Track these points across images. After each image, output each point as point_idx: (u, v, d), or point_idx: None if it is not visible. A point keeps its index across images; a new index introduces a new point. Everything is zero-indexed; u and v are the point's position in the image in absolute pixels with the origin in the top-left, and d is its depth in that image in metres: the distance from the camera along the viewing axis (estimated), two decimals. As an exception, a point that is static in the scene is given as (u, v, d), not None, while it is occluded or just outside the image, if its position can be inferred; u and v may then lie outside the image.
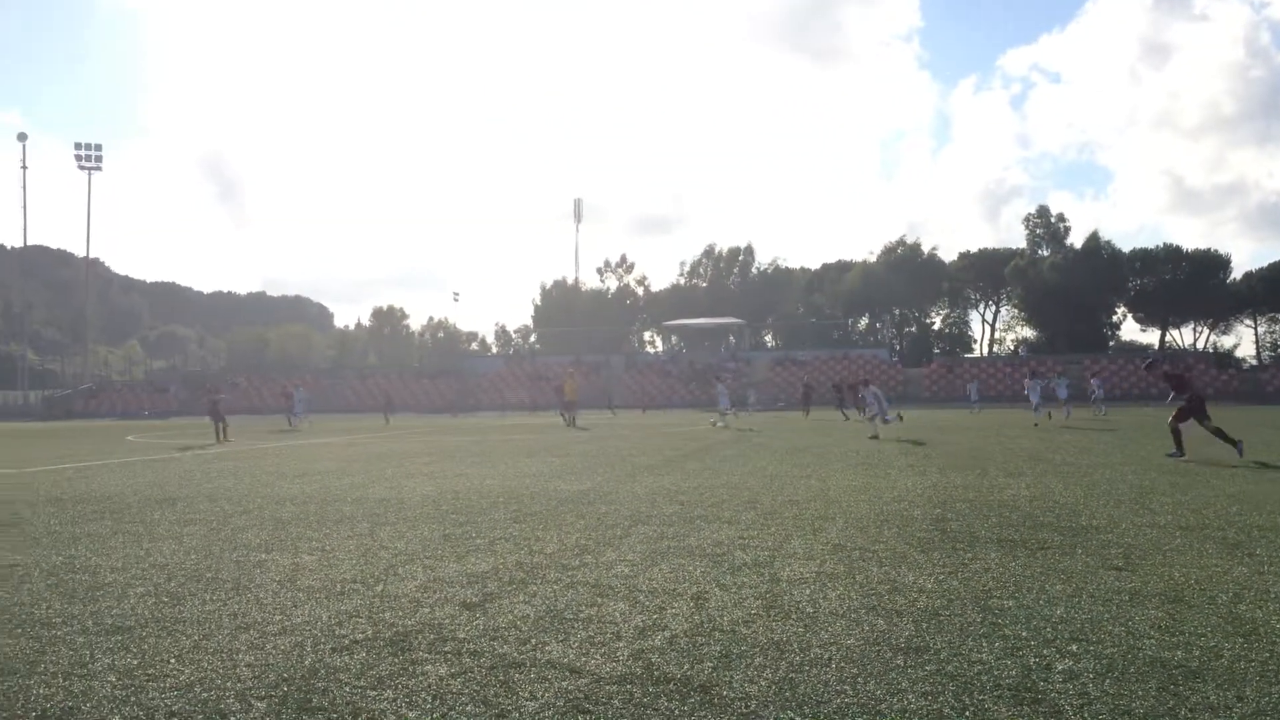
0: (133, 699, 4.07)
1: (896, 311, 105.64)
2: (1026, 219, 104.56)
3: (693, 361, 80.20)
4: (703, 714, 3.87)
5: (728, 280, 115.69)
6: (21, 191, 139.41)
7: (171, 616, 5.53)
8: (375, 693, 4.14)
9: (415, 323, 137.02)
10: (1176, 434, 15.97)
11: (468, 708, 3.95)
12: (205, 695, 4.12)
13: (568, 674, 4.37)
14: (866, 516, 9.31)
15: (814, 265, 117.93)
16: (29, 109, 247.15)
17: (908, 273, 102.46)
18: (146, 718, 3.85)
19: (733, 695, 4.07)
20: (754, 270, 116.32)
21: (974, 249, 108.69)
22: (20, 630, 5.24)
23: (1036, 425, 29.18)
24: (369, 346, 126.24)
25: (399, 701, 4.03)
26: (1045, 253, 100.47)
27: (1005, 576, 6.38)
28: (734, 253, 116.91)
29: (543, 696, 4.07)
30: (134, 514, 10.38)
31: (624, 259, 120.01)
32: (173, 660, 4.63)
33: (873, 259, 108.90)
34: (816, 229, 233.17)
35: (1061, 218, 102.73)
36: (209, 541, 8.34)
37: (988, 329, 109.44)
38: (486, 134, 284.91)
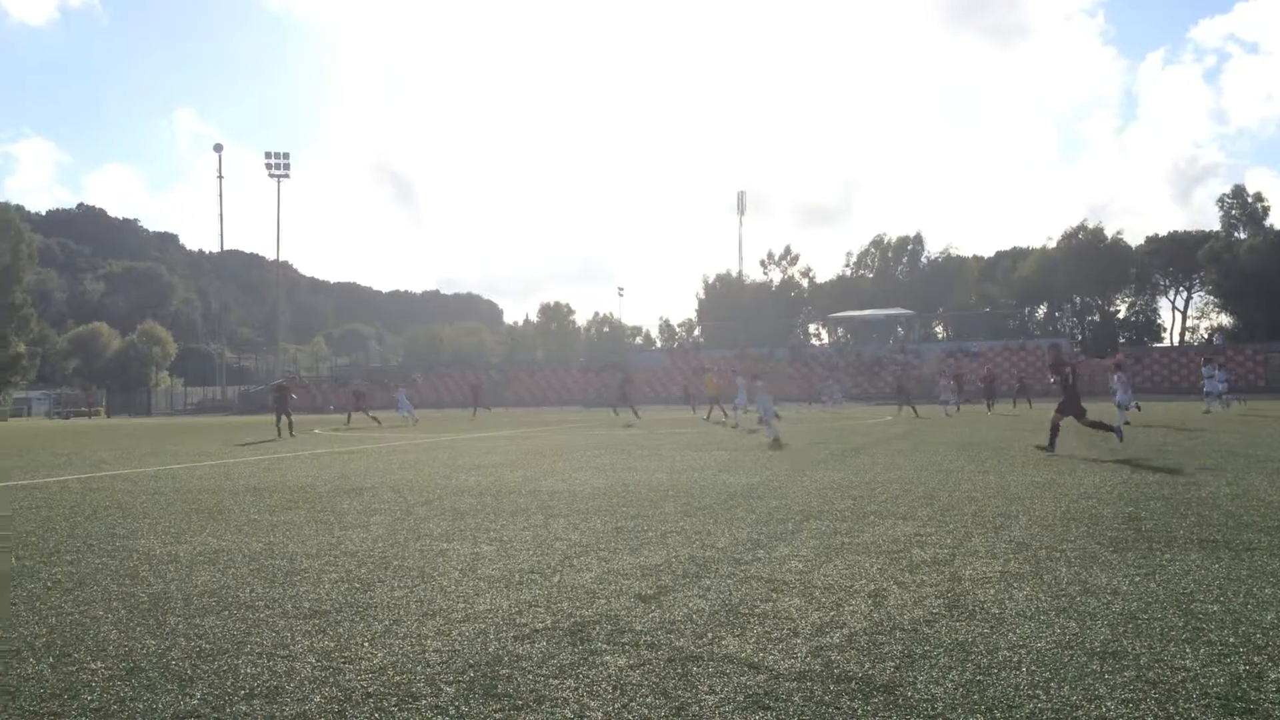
0: (331, 680, 4.27)
1: (1077, 300, 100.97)
2: (1221, 199, 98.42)
3: (860, 354, 78.81)
4: (887, 714, 3.77)
5: (896, 270, 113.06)
6: (218, 200, 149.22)
7: (363, 602, 5.78)
8: (557, 681, 4.21)
9: (581, 318, 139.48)
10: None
11: (648, 699, 3.97)
12: (397, 679, 4.28)
13: (746, 669, 4.34)
14: (1052, 514, 8.93)
15: (987, 253, 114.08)
16: (225, 122, 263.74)
17: (1089, 259, 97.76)
18: (344, 698, 4.03)
19: (917, 696, 3.96)
20: (924, 259, 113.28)
21: (1163, 232, 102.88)
22: (227, 612, 5.58)
23: (1207, 413, 27.47)
24: (537, 342, 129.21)
25: (580, 691, 4.09)
26: (1242, 235, 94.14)
27: (1208, 579, 5.99)
28: (903, 242, 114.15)
29: (722, 691, 4.05)
30: (324, 503, 10.92)
31: (788, 250, 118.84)
32: (366, 644, 4.84)
33: (1051, 245, 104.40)
34: (990, 215, 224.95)
35: (1260, 197, 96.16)
36: (394, 530, 8.69)
37: (1178, 317, 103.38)
38: (651, 127, 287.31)
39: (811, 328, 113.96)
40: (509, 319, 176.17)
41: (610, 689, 4.10)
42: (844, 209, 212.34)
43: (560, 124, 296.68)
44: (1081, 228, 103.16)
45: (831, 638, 4.83)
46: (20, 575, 6.82)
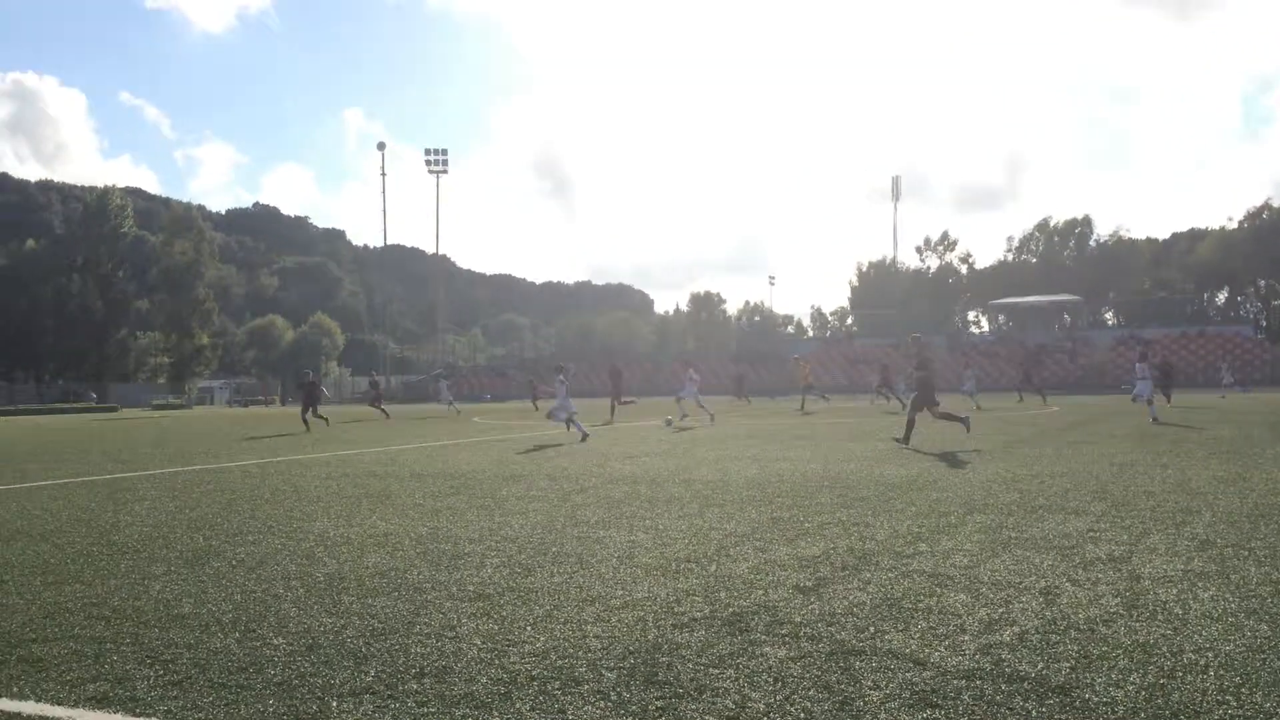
0: (496, 662, 4.37)
1: (1262, 283, 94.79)
2: None
3: (1023, 342, 76.01)
4: (1063, 717, 3.61)
5: (1062, 255, 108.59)
6: (381, 196, 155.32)
7: (524, 586, 5.89)
8: (717, 671, 4.19)
9: (732, 307, 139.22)
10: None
11: (810, 692, 3.91)
12: (560, 663, 4.34)
13: (911, 665, 4.22)
14: (1238, 510, 8.39)
15: (1161, 235, 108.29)
16: (390, 121, 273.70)
17: (1275, 240, 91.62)
18: (509, 680, 4.11)
19: (1096, 699, 3.77)
20: (1092, 243, 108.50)
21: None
22: (397, 593, 5.78)
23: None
24: (688, 331, 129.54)
25: (740, 681, 4.06)
26: None
27: None
28: (1070, 225, 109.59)
29: (886, 687, 3.96)
30: (485, 489, 11.21)
31: (945, 236, 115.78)
32: (528, 628, 4.93)
33: (1232, 225, 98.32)
34: (1164, 195, 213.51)
35: None
36: (552, 517, 8.85)
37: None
38: (804, 113, 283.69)
39: (970, 315, 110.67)
40: (660, 309, 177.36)
41: (771, 680, 4.06)
42: (1007, 192, 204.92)
43: (713, 112, 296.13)
44: (1266, 207, 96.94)
45: (1001, 635, 4.66)
46: (208, 554, 7.24)
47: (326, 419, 28.41)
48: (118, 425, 37.13)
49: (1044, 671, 4.11)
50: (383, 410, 38.23)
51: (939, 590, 5.60)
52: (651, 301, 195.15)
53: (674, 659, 4.37)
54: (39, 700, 3.92)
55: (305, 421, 28.10)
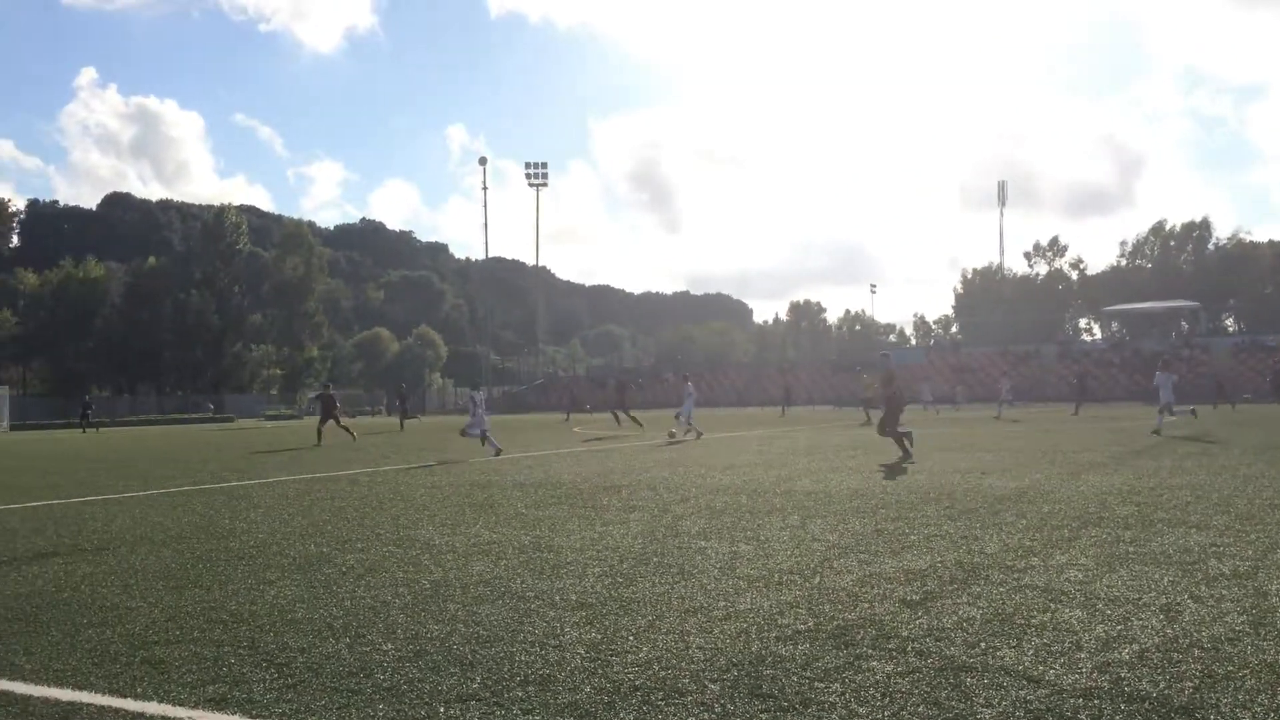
0: (600, 671, 4.37)
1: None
2: None
3: (1138, 350, 73.45)
4: (1189, 741, 3.45)
5: (1179, 259, 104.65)
6: (483, 210, 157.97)
7: (626, 596, 5.90)
8: (822, 685, 4.12)
9: (832, 316, 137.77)
10: (898, 438, 16.56)
11: (919, 709, 3.82)
12: (663, 674, 4.33)
13: (1025, 683, 4.09)
14: (1375, 526, 7.95)
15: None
16: (491, 136, 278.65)
17: None
18: (613, 689, 4.11)
19: (1224, 723, 3.60)
20: (1210, 246, 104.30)
21: None
22: (501, 601, 5.84)
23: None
24: (787, 341, 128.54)
25: (847, 696, 3.99)
26: None
27: None
28: (1188, 228, 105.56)
29: (999, 705, 3.84)
30: (585, 499, 11.28)
31: (1055, 241, 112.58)
32: (631, 638, 4.93)
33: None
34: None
35: None
36: (652, 527, 8.84)
37: None
38: (907, 119, 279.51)
39: (1082, 322, 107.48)
40: (759, 318, 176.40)
41: (878, 696, 3.97)
42: (1120, 195, 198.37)
43: (813, 119, 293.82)
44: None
45: (1120, 653, 4.49)
46: (319, 561, 7.43)
47: (352, 432, 27.76)
48: (234, 435, 38.47)
49: (1166, 691, 3.95)
50: (403, 421, 39.51)
51: (1053, 606, 5.43)
52: (750, 311, 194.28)
53: (778, 672, 4.32)
54: (161, 701, 4.06)
55: (319, 434, 27.68)
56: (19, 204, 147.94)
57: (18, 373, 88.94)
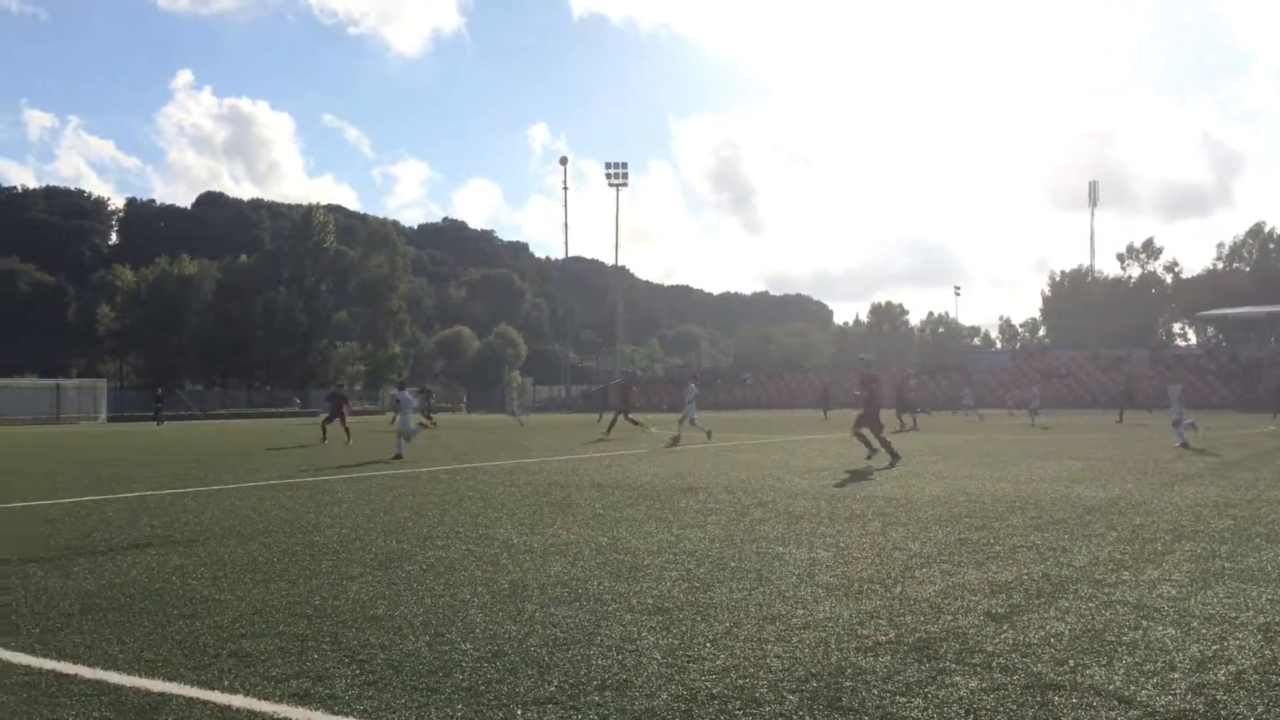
0: (676, 678, 4.35)
1: None
2: None
3: (1235, 356, 71.03)
4: (1292, 772, 3.31)
5: (1279, 263, 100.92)
6: (563, 209, 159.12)
7: (703, 601, 5.86)
8: (904, 699, 4.04)
9: (914, 318, 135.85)
10: (866, 440, 17.13)
11: (1004, 728, 3.72)
12: (740, 682, 4.28)
13: (1115, 703, 3.96)
14: None
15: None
16: (572, 135, 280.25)
17: None
18: (689, 697, 4.08)
19: (1330, 754, 3.44)
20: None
21: None
22: (578, 603, 5.85)
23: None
24: (868, 343, 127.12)
25: (930, 712, 3.90)
26: None
27: None
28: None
29: (1089, 726, 3.72)
30: (663, 501, 11.26)
31: (1149, 243, 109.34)
32: (708, 645, 4.89)
33: None
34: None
35: None
36: (730, 531, 8.79)
37: None
38: (993, 115, 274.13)
39: (1176, 327, 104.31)
40: (839, 319, 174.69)
41: (962, 713, 3.88)
42: (1218, 196, 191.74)
43: (895, 117, 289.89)
44: None
45: (1215, 674, 4.32)
46: (400, 558, 7.54)
47: (349, 432, 27.19)
48: (316, 430, 39.27)
49: (1264, 716, 3.79)
50: (431, 421, 39.98)
51: (1145, 623, 5.25)
52: (830, 312, 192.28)
53: (858, 684, 4.24)
54: (247, 695, 4.14)
55: (324, 430, 28.04)
56: (118, 202, 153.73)
57: (116, 366, 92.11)
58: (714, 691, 4.16)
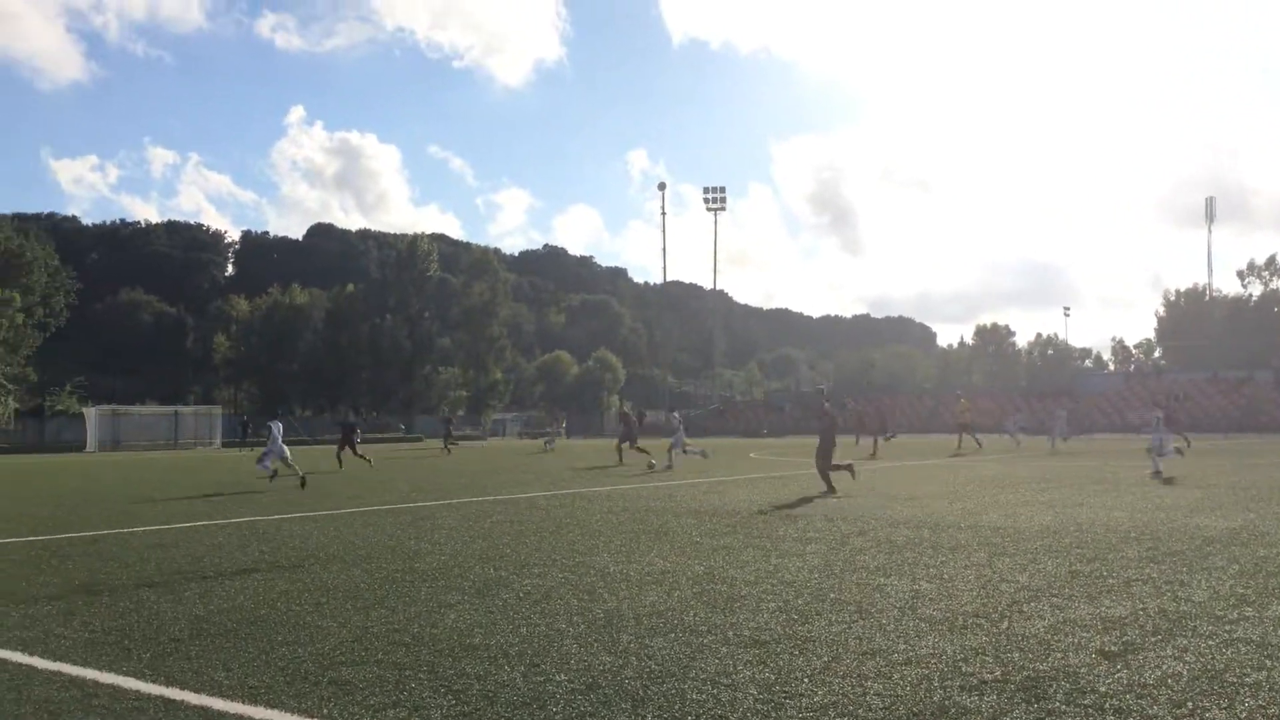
0: (772, 714, 4.26)
1: None
2: None
3: (1364, 377, 67.41)
4: None
5: None
6: (661, 234, 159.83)
7: (801, 635, 5.75)
8: (1010, 742, 3.89)
9: (1022, 339, 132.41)
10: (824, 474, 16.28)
11: (1118, 776, 3.54)
12: (838, 720, 4.17)
13: (1240, 752, 3.75)
14: None
15: None
16: (672, 160, 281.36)
17: None
18: (785, 736, 3.99)
19: None
20: None
21: None
22: (673, 634, 5.79)
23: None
24: (973, 366, 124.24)
25: (1037, 756, 3.74)
26: None
27: None
28: None
29: (1210, 776, 3.52)
30: (761, 529, 11.12)
31: (1272, 260, 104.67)
32: (805, 680, 4.79)
33: None
34: None
35: None
36: (829, 561, 8.63)
37: None
38: (1103, 129, 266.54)
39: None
40: (942, 341, 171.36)
41: (1073, 758, 3.71)
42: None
43: (1001, 135, 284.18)
44: None
45: (1351, 724, 4.05)
46: (497, 585, 7.58)
47: (369, 459, 28.56)
48: (422, 456, 40.01)
49: None
50: (449, 448, 40.70)
51: (1268, 663, 4.97)
52: (933, 334, 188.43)
53: (962, 725, 4.10)
54: (346, 723, 4.19)
55: (339, 460, 28.94)
56: (234, 235, 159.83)
57: (230, 393, 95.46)
58: (811, 730, 4.06)
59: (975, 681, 4.73)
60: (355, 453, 28.63)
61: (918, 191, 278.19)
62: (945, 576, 7.72)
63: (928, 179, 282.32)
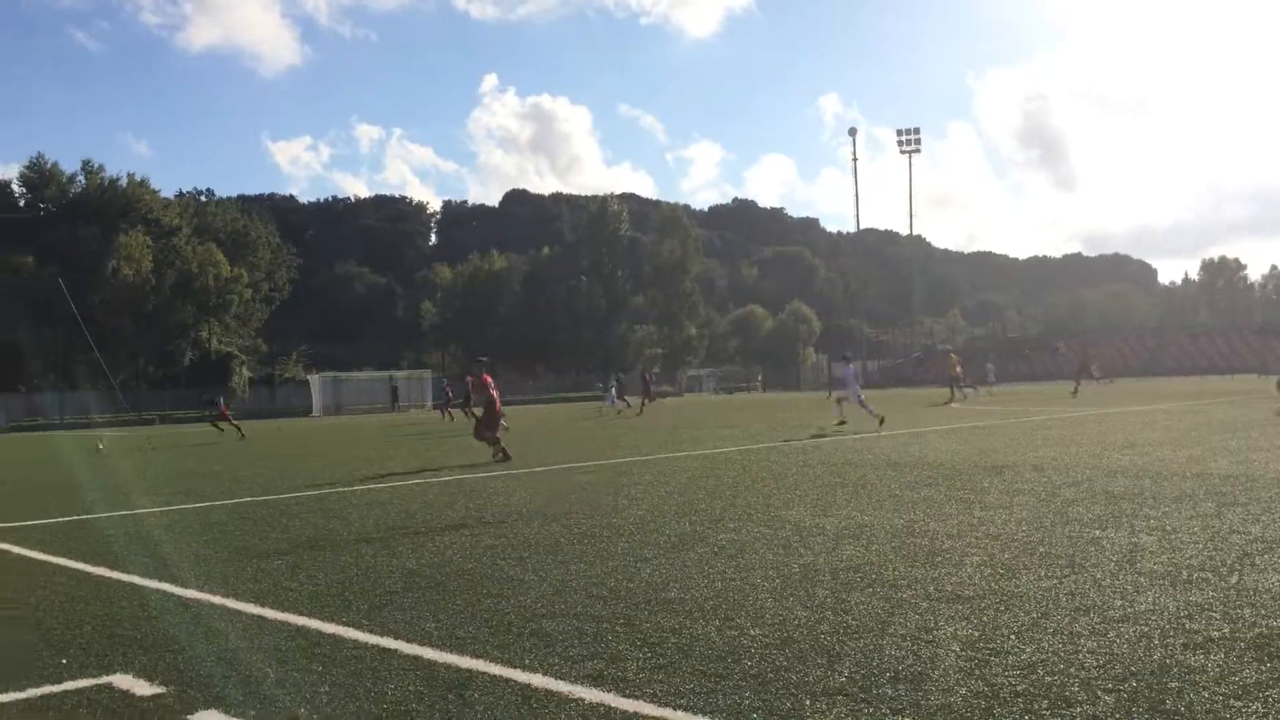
0: (976, 672, 4.09)
1: None
2: None
3: None
4: None
5: None
6: (853, 180, 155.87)
7: (1007, 590, 5.51)
8: (1239, 704, 3.60)
9: (1254, 273, 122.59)
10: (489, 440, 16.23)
11: (1370, 746, 3.22)
12: (1048, 679, 3.97)
13: None
14: None
15: None
16: (865, 104, 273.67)
17: None
18: (991, 694, 3.83)
19: None
20: None
21: None
22: (871, 589, 5.67)
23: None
24: (1199, 303, 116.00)
25: (1270, 718, 3.45)
26: None
27: None
28: None
29: None
30: (964, 480, 10.75)
31: None
32: (1012, 637, 4.58)
33: None
34: None
35: None
36: (1039, 513, 8.25)
37: None
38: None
39: None
40: (1164, 279, 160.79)
41: (1315, 725, 3.40)
42: None
43: (1225, 47, 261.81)
44: None
45: None
46: (692, 539, 7.62)
47: (464, 415, 30.59)
48: (613, 413, 40.80)
49: None
50: (644, 405, 40.49)
51: None
52: (1154, 272, 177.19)
53: (1185, 685, 3.82)
54: (545, 674, 4.30)
55: (450, 414, 32.33)
56: (436, 205, 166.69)
57: (438, 357, 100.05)
58: (1018, 688, 3.87)
59: (1200, 639, 4.40)
60: (467, 411, 31.25)
61: (1135, 115, 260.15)
62: (1168, 529, 7.24)
63: (1146, 99, 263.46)
